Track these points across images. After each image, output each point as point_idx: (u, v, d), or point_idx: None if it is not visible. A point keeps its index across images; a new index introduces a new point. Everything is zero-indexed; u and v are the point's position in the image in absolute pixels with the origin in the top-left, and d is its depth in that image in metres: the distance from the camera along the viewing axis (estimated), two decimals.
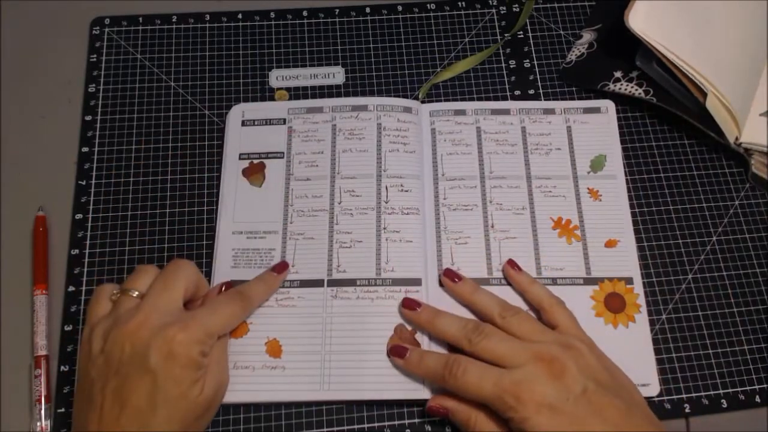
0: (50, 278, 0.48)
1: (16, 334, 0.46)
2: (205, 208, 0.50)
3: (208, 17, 0.57)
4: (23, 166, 0.52)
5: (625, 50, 0.53)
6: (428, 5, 0.59)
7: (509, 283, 0.47)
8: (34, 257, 0.48)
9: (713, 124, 0.50)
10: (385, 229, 0.48)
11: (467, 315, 0.45)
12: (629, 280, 0.47)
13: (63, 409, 0.44)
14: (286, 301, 0.46)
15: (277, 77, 0.55)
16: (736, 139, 0.51)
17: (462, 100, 0.54)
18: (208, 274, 0.47)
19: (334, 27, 0.57)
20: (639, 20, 0.50)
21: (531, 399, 0.38)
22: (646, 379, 0.44)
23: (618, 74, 0.54)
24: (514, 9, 0.59)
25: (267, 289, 0.45)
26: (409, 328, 0.45)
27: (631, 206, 0.50)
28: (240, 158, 0.51)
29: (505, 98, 0.55)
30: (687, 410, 0.45)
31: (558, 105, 0.54)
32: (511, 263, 0.47)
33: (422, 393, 0.43)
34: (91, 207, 0.50)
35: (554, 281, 0.47)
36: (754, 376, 0.46)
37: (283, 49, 0.56)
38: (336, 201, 0.49)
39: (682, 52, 0.49)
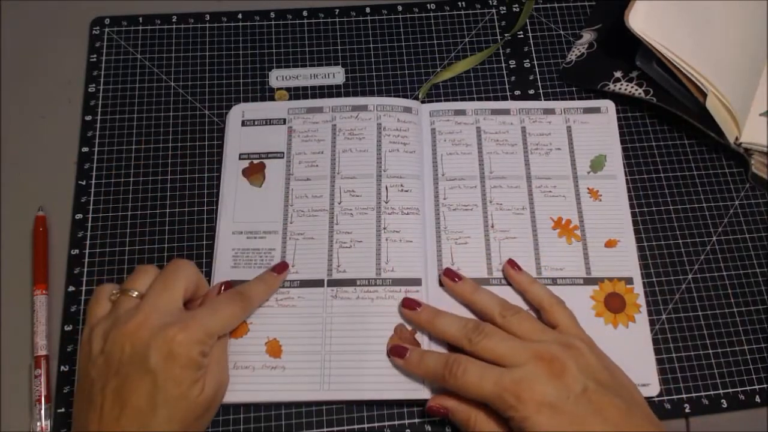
0: (50, 278, 0.48)
1: (16, 334, 0.46)
2: (205, 208, 0.50)
3: (208, 17, 0.57)
4: (23, 166, 0.52)
5: (625, 50, 0.53)
6: (428, 5, 0.59)
7: (509, 283, 0.47)
8: (34, 257, 0.48)
9: (713, 124, 0.50)
10: (385, 229, 0.48)
11: (467, 315, 0.45)
12: (629, 280, 0.47)
13: (63, 409, 0.44)
14: (286, 301, 0.46)
15: (277, 77, 0.55)
16: (736, 139, 0.51)
17: (462, 100, 0.54)
18: (208, 274, 0.47)
19: (334, 27, 0.57)
20: (639, 20, 0.50)
21: (531, 398, 0.38)
22: (646, 379, 0.44)
23: (618, 74, 0.54)
24: (514, 9, 0.59)
25: (267, 289, 0.45)
26: (409, 328, 0.45)
27: (631, 206, 0.50)
28: (240, 158, 0.51)
29: (505, 98, 0.55)
30: (687, 410, 0.45)
31: (558, 105, 0.54)
32: (511, 263, 0.47)
33: (422, 393, 0.43)
34: (91, 207, 0.50)
35: (554, 281, 0.47)
36: (754, 376, 0.46)
37: (283, 49, 0.56)
38: (336, 201, 0.49)
39: (682, 52, 0.49)
